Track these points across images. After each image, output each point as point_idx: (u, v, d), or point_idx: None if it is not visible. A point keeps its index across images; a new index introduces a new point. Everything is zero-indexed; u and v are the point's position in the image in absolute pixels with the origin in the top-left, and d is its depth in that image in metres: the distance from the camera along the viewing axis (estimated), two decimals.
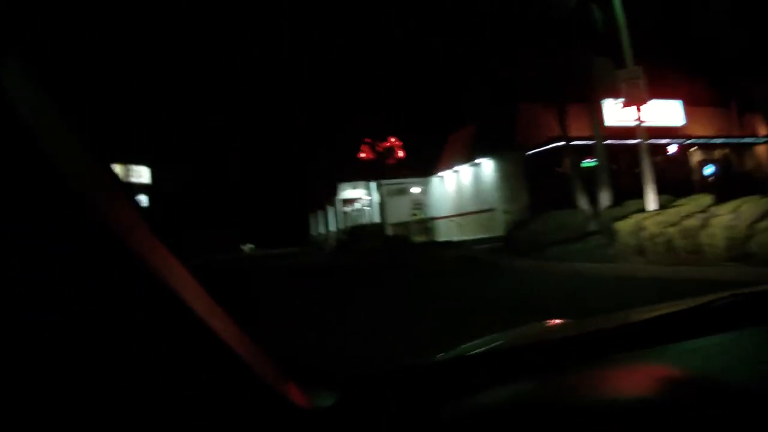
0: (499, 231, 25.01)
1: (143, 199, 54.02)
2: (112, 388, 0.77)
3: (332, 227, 45.05)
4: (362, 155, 37.62)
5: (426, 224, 36.00)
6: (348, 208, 45.15)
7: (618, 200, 14.97)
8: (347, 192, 41.89)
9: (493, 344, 1.49)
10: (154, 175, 53.50)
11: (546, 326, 1.75)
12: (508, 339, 1.60)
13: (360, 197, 42.86)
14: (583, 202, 16.43)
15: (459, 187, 33.40)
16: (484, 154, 29.68)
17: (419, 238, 32.40)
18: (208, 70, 61.78)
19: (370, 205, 40.15)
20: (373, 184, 37.65)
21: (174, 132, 58.05)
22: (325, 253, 37.90)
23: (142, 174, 52.60)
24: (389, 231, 34.47)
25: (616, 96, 13.51)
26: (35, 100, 0.73)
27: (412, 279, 14.00)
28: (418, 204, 38.20)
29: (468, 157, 31.08)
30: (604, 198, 16.01)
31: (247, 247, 79.62)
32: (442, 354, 1.41)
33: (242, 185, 67.00)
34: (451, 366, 1.32)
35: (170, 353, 0.80)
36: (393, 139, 38.03)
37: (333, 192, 40.78)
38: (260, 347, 0.95)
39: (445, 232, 33.46)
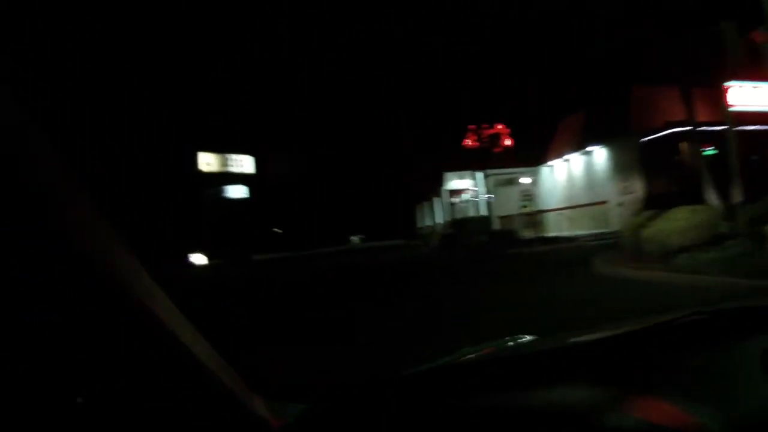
0: (612, 225, 23.30)
1: (242, 189, 54.84)
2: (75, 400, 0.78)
3: (439, 219, 44.02)
4: (467, 143, 36.04)
5: (535, 217, 34.33)
6: (455, 199, 43.97)
7: (751, 195, 12.84)
8: (454, 182, 40.72)
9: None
10: (259, 165, 53.52)
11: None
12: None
13: (467, 188, 41.58)
14: (711, 197, 14.32)
15: (570, 177, 31.57)
16: (595, 142, 27.83)
17: (527, 233, 30.83)
18: (314, 62, 61.80)
19: (477, 197, 38.85)
20: (480, 174, 36.11)
21: (281, 122, 58.29)
22: (429, 247, 36.96)
23: (243, 163, 52.67)
24: (496, 224, 33.03)
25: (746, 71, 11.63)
26: None
27: (515, 287, 12.54)
28: (527, 195, 36.58)
29: (579, 144, 29.25)
30: (736, 192, 14.08)
31: (356, 239, 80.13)
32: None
33: (349, 176, 66.84)
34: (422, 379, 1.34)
35: (137, 364, 0.81)
36: (500, 126, 36.36)
37: (439, 182, 39.55)
38: (228, 364, 0.97)
39: (555, 226, 31.73)
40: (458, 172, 38.34)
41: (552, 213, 33.09)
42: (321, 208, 76.48)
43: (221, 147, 52.52)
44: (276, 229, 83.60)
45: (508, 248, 23.20)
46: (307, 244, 68.84)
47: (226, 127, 56.67)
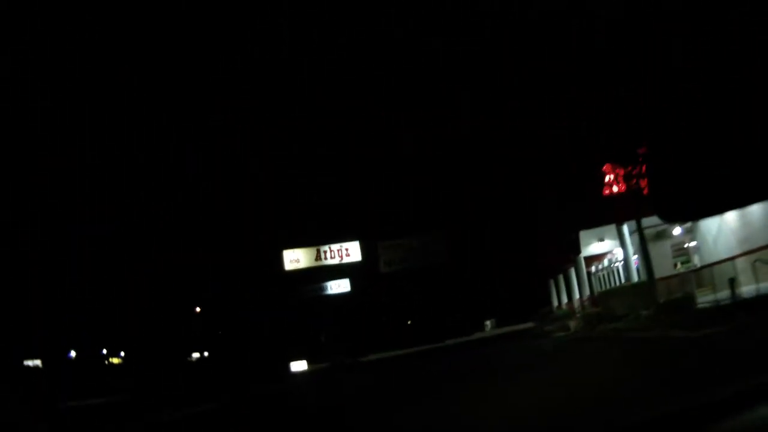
0: None
1: (344, 284, 48.36)
2: None
3: (577, 294, 35.76)
4: (610, 190, 27.17)
5: (700, 275, 25.28)
6: (594, 267, 35.76)
7: None
8: (592, 247, 32.67)
9: None
10: (366, 251, 46.82)
11: None
12: None
13: (608, 251, 33.33)
14: None
15: (742, 214, 22.63)
16: None
17: (703, 298, 22.01)
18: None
19: (620, 260, 30.50)
20: (626, 230, 27.37)
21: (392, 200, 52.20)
22: (565, 335, 28.87)
23: (348, 250, 46.17)
24: (657, 291, 24.31)
25: None
26: None
27: None
28: (681, 248, 28.08)
29: None
30: None
31: (489, 324, 72.99)
32: None
33: (477, 252, 57.84)
34: None
35: None
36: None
37: (574, 248, 31.44)
38: None
39: (721, 281, 22.67)
40: (597, 231, 30.15)
41: (722, 265, 24.02)
42: (450, 291, 68.72)
43: (320, 237, 46.98)
44: (408, 322, 77.21)
45: (699, 327, 14.88)
46: (431, 334, 61.73)
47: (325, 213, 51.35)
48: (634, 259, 28.96)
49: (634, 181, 25.71)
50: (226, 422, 16.19)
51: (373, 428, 10.13)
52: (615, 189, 26.77)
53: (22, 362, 43.06)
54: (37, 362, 46.41)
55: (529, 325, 45.45)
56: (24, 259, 42.22)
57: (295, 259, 46.43)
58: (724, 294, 18.91)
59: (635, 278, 26.28)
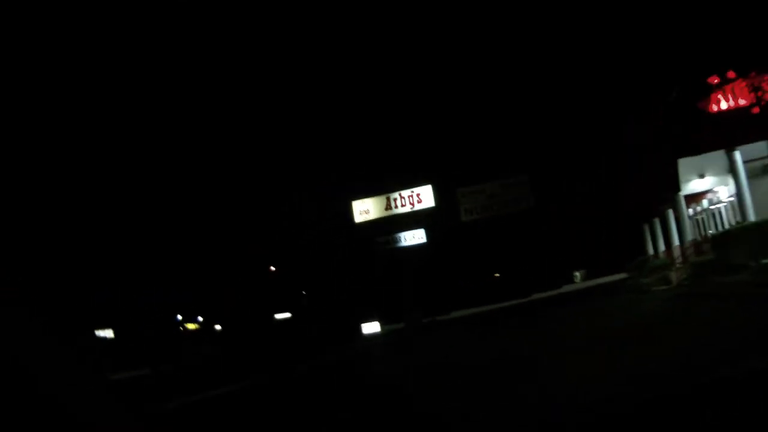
0: None
1: (419, 234, 44.46)
2: None
3: (676, 240, 30.95)
4: (716, 106, 21.76)
5: None
6: (692, 209, 30.85)
7: None
8: (692, 184, 27.80)
9: None
10: (441, 196, 42.65)
11: None
12: None
13: (709, 189, 28.46)
14: None
15: None
16: None
17: None
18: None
19: (732, 196, 25.63)
20: (738, 157, 22.17)
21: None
22: (667, 290, 24.51)
23: (421, 197, 42.32)
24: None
25: None
26: None
27: None
28: None
29: None
30: None
31: (578, 275, 68.36)
32: None
33: (557, 197, 52.83)
34: None
35: None
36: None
37: (672, 185, 26.51)
38: None
39: None
40: (697, 165, 25.19)
41: None
42: (536, 240, 63.99)
43: (388, 182, 43.25)
44: (495, 274, 72.89)
45: None
46: (516, 289, 57.73)
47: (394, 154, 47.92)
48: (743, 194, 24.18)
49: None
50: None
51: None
52: (724, 105, 21.81)
53: (94, 332, 42.81)
54: (109, 332, 45.71)
55: (623, 276, 40.75)
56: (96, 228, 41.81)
57: (365, 210, 43.38)
58: None
59: (752, 218, 21.35)
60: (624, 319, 16.75)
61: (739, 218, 24.01)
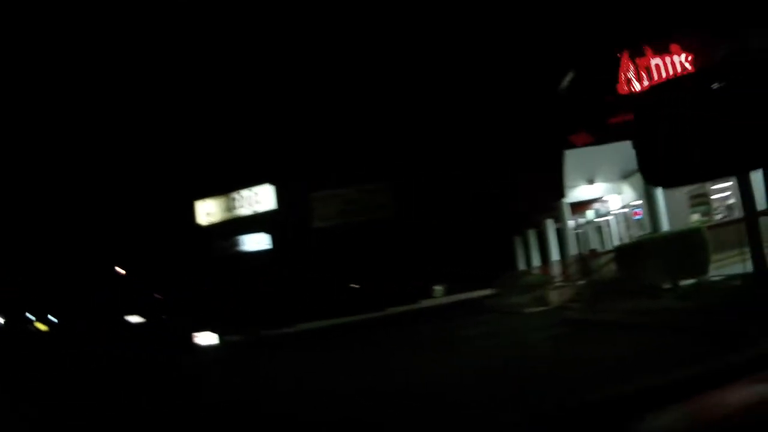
0: None
1: (261, 239, 39.53)
2: None
3: (555, 255, 26.95)
4: (627, 87, 17.60)
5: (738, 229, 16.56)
6: (578, 220, 27.13)
7: None
8: (579, 191, 23.82)
9: None
10: (284, 196, 37.98)
11: None
12: None
13: (603, 197, 24.64)
14: None
15: None
16: None
17: None
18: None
19: (630, 207, 21.87)
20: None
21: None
22: (544, 312, 20.13)
23: (257, 197, 37.34)
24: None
25: None
26: None
27: None
28: (703, 198, 19.69)
29: None
30: None
31: (440, 289, 64.82)
32: None
33: (423, 196, 47.85)
34: None
35: None
36: (679, 51, 18.03)
37: (556, 191, 22.39)
38: None
39: None
40: (592, 160, 20.85)
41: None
42: (395, 250, 59.19)
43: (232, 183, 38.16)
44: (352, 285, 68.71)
45: None
46: (370, 301, 52.97)
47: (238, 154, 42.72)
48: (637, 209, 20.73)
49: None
50: None
51: None
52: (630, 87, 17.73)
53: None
54: None
55: (489, 292, 36.56)
56: None
57: (209, 211, 38.28)
58: None
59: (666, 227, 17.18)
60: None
61: (634, 231, 20.30)
